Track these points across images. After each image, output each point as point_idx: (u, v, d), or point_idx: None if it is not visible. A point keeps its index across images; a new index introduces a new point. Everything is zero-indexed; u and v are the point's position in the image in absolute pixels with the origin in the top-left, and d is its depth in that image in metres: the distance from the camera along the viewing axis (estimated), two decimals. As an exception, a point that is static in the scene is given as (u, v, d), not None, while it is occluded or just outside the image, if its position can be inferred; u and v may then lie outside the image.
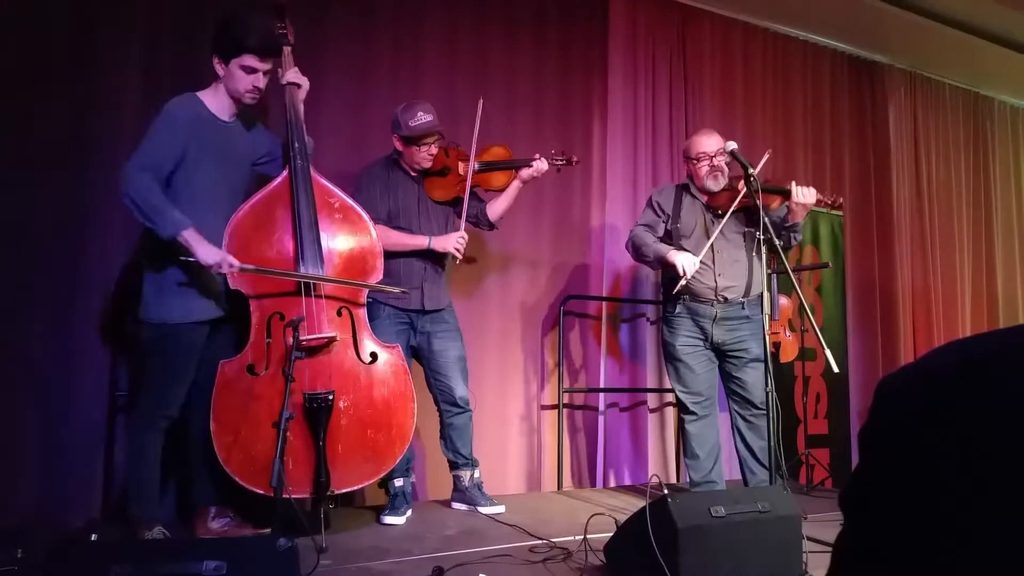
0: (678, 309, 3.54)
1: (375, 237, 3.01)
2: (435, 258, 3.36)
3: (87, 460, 3.16)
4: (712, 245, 3.40)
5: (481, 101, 3.36)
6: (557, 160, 3.51)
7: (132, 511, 2.73)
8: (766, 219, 3.09)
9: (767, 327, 3.09)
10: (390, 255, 3.18)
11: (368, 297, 3.17)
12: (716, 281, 3.43)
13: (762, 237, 3.13)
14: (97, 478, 3.17)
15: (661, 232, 3.56)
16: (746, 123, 5.14)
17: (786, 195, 3.34)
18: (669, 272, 3.45)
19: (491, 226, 3.56)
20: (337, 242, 2.96)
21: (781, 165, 5.17)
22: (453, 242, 3.27)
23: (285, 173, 2.91)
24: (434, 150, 3.35)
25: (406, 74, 4.04)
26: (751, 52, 5.31)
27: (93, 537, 2.65)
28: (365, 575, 2.45)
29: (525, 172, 3.41)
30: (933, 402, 0.69)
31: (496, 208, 3.49)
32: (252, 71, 2.75)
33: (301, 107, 2.99)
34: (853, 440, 5.06)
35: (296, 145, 2.91)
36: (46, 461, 3.09)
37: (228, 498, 2.87)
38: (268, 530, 2.64)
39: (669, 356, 3.62)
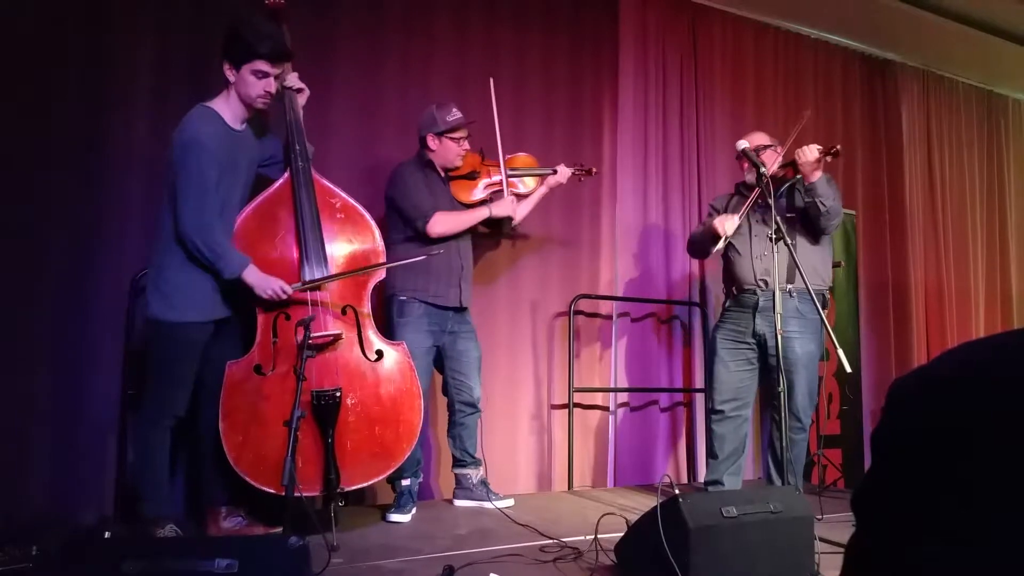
0: (729, 302, 3.62)
1: (378, 236, 3.03)
2: (468, 255, 3.49)
3: (100, 457, 3.18)
4: (750, 230, 3.52)
5: (493, 96, 3.50)
6: (578, 171, 3.73)
7: (143, 510, 2.74)
8: (780, 210, 3.19)
9: (779, 326, 3.08)
10: (433, 252, 3.26)
11: (401, 295, 3.31)
12: (753, 264, 3.46)
13: (773, 236, 3.13)
14: (110, 475, 3.19)
15: None
16: (758, 123, 5.10)
17: (793, 164, 3.42)
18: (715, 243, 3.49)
19: (512, 228, 3.72)
20: (340, 242, 2.97)
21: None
22: (509, 204, 3.44)
23: (287, 175, 2.93)
24: (467, 146, 3.47)
25: (415, 75, 4.04)
26: (762, 51, 5.28)
27: (106, 534, 2.67)
28: (376, 574, 2.46)
29: (551, 179, 3.61)
30: (939, 407, 0.69)
31: (521, 211, 3.64)
32: (264, 76, 2.76)
33: (301, 112, 3.00)
34: (866, 440, 5.04)
35: (297, 147, 2.93)
36: (59, 458, 3.11)
37: (239, 498, 2.88)
38: (279, 529, 2.66)
39: (709, 348, 3.71)
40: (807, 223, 3.46)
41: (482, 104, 3.61)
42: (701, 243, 3.64)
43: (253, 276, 2.72)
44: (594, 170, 3.86)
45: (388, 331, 3.31)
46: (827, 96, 5.57)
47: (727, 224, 3.41)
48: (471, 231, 3.53)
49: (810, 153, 3.31)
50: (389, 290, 3.36)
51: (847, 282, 5.20)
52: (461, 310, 3.46)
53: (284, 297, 2.75)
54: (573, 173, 3.69)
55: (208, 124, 2.72)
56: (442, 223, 3.33)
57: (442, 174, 3.48)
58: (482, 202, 3.53)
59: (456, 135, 3.41)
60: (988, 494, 0.64)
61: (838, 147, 3.31)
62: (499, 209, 3.43)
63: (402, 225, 3.36)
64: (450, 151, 3.43)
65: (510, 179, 3.53)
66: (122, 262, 3.26)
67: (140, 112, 3.35)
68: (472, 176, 3.52)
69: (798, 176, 3.45)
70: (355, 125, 3.86)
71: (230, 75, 2.77)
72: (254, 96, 2.78)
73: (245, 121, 2.87)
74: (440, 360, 3.47)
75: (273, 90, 2.81)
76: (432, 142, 3.43)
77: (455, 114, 3.40)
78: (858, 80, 5.74)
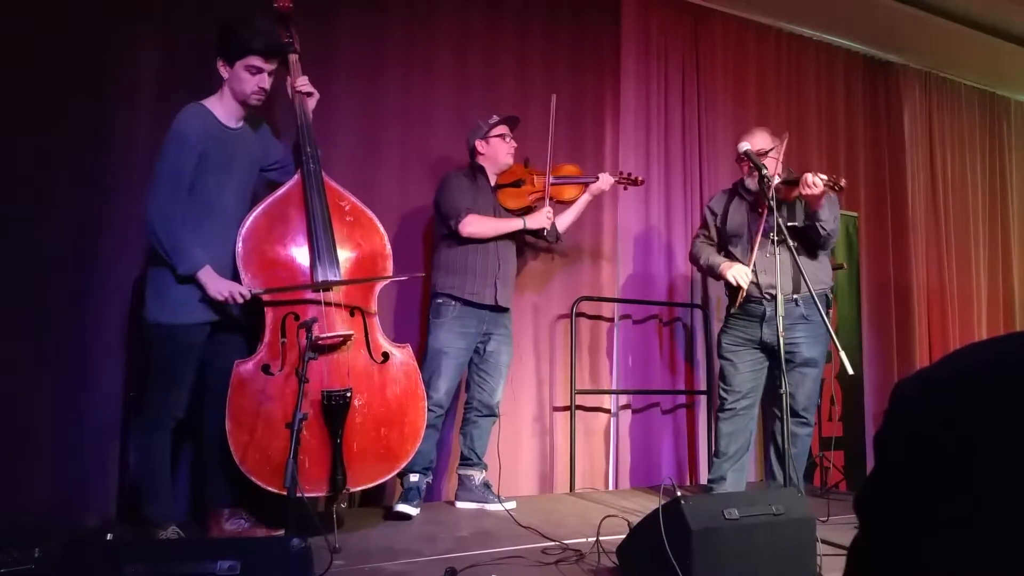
0: (734, 310, 3.62)
1: (386, 240, 3.04)
2: (508, 258, 3.54)
3: (102, 459, 3.18)
4: (753, 243, 3.49)
5: (553, 110, 3.60)
6: (622, 179, 3.76)
7: (145, 512, 2.75)
8: (781, 218, 3.18)
9: (781, 328, 3.09)
10: (469, 252, 3.40)
11: (438, 296, 3.42)
12: (758, 278, 3.46)
13: (776, 237, 3.15)
14: (112, 477, 3.19)
15: (715, 235, 3.72)
16: (759, 124, 5.08)
17: (796, 181, 3.38)
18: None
19: (557, 238, 3.76)
20: (349, 244, 2.98)
21: (795, 166, 5.14)
22: (544, 217, 3.49)
23: (297, 177, 2.94)
24: (514, 144, 3.60)
25: (418, 77, 4.05)
26: (764, 52, 5.28)
27: (108, 536, 2.67)
28: (378, 575, 2.46)
29: (594, 186, 3.68)
30: (941, 408, 0.69)
31: (564, 220, 3.73)
32: (257, 71, 2.77)
33: (311, 115, 3.01)
34: (868, 442, 5.03)
35: (308, 149, 2.93)
36: (62, 461, 3.10)
37: (242, 499, 2.88)
38: (282, 531, 2.66)
39: (718, 353, 3.72)
40: (804, 239, 3.49)
41: (486, 106, 3.64)
42: (706, 274, 3.70)
43: (206, 276, 2.70)
44: (640, 179, 3.87)
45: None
46: (829, 98, 5.57)
47: (740, 276, 3.45)
48: (514, 237, 3.60)
49: (815, 186, 3.29)
50: (431, 289, 3.49)
51: (849, 284, 5.19)
52: (499, 311, 3.52)
53: (240, 301, 2.73)
54: (616, 181, 3.75)
55: (196, 120, 2.73)
56: (473, 224, 3.39)
57: (492, 181, 3.57)
58: (526, 209, 3.61)
59: (500, 131, 3.54)
60: (990, 496, 0.64)
61: (843, 182, 3.30)
62: (533, 222, 3.49)
63: (442, 224, 3.46)
64: (499, 150, 3.55)
65: (553, 186, 3.59)
66: (124, 263, 3.26)
67: (142, 113, 3.35)
68: (518, 184, 3.62)
69: (793, 198, 3.46)
70: (357, 127, 3.86)
71: (224, 72, 2.78)
72: (248, 92, 2.78)
73: (242, 120, 2.87)
74: (472, 358, 3.54)
75: (267, 86, 2.82)
76: (481, 146, 3.56)
77: (496, 117, 3.58)
78: (860, 81, 5.74)
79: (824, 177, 3.29)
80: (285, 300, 2.84)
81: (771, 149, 3.55)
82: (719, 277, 3.60)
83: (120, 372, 3.24)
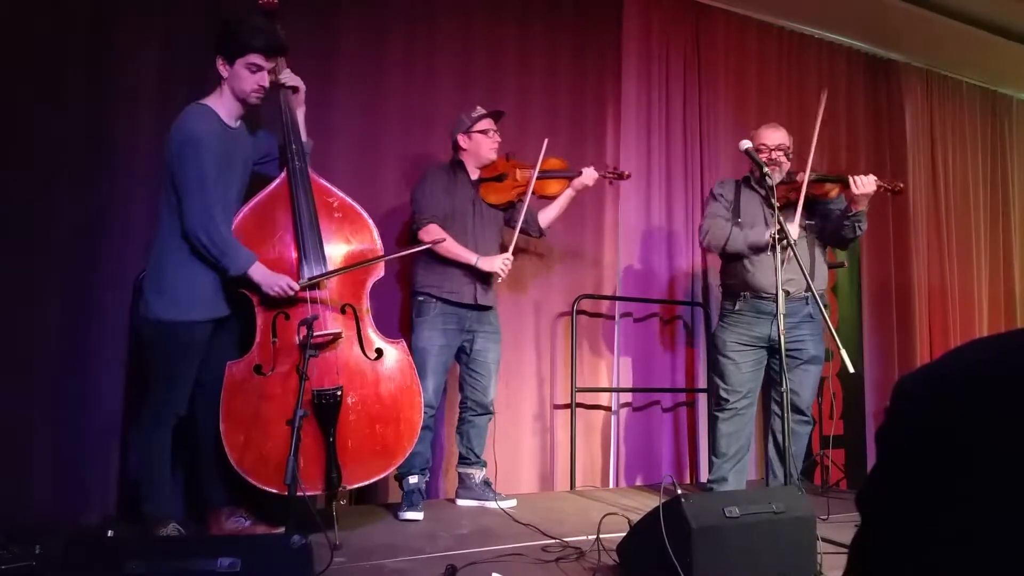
0: (738, 306, 3.55)
1: (376, 235, 3.02)
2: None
3: (103, 457, 3.19)
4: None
5: (546, 141, 3.51)
6: (608, 173, 3.71)
7: (145, 509, 2.74)
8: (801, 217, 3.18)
9: (781, 326, 3.09)
10: (422, 247, 3.31)
11: (418, 295, 3.37)
12: (778, 275, 3.40)
13: (777, 236, 3.14)
14: (113, 474, 3.20)
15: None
16: (761, 122, 5.08)
17: (844, 184, 3.35)
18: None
19: (541, 233, 3.71)
20: (338, 241, 2.97)
21: (796, 165, 5.13)
22: (499, 263, 3.37)
23: (283, 174, 2.92)
24: (498, 139, 3.53)
25: (419, 74, 4.05)
26: (766, 51, 5.28)
27: (109, 534, 2.67)
28: (379, 573, 2.46)
29: (576, 181, 3.58)
30: (942, 405, 0.69)
31: (548, 215, 3.67)
32: (258, 69, 2.76)
33: (297, 109, 2.99)
34: (869, 441, 5.03)
35: (293, 146, 2.92)
36: (62, 458, 3.11)
37: (241, 497, 2.88)
38: (282, 528, 2.66)
39: (717, 351, 3.65)
40: (822, 237, 3.48)
41: (486, 105, 3.61)
42: (740, 251, 3.48)
43: (259, 273, 2.71)
44: (627, 173, 3.79)
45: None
46: (831, 96, 5.50)
47: (791, 230, 3.20)
48: (496, 231, 3.57)
49: (867, 185, 3.26)
50: (411, 288, 3.45)
51: (850, 282, 5.18)
52: (482, 309, 3.46)
53: (291, 294, 2.74)
54: (602, 176, 3.65)
55: (205, 121, 2.72)
56: (431, 235, 3.31)
57: (472, 176, 3.52)
58: (508, 204, 3.58)
59: (483, 127, 3.48)
60: (989, 493, 0.64)
61: (901, 185, 3.27)
62: (485, 264, 3.35)
63: None
64: (482, 145, 3.49)
65: (537, 180, 3.52)
66: (125, 262, 3.26)
67: (143, 113, 3.35)
68: (501, 178, 3.57)
69: (833, 197, 3.45)
70: (357, 125, 3.85)
71: (223, 70, 2.77)
72: (248, 91, 2.78)
73: (239, 119, 2.87)
74: (459, 358, 3.51)
75: (267, 84, 2.81)
76: (463, 141, 3.50)
77: (479, 110, 3.50)
78: (862, 80, 5.73)
79: (874, 177, 3.27)
80: (275, 301, 2.81)
81: (790, 147, 3.56)
82: (762, 249, 3.37)
83: (120, 372, 3.24)
